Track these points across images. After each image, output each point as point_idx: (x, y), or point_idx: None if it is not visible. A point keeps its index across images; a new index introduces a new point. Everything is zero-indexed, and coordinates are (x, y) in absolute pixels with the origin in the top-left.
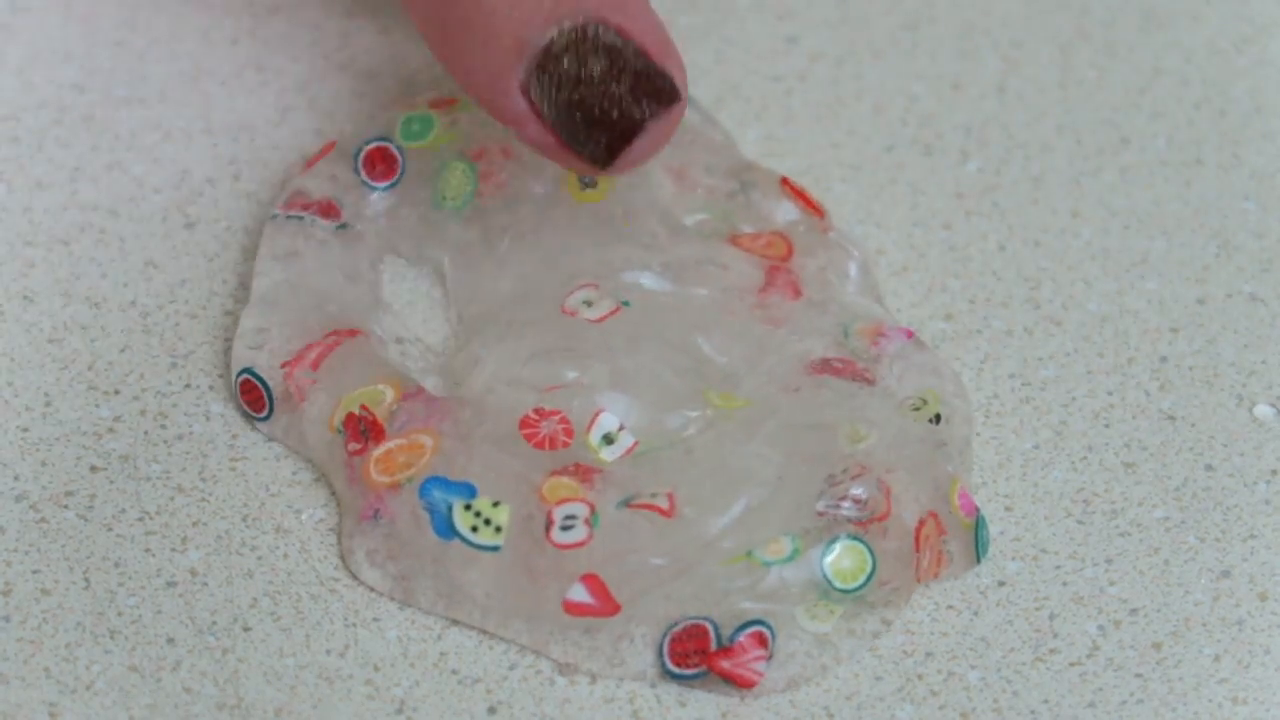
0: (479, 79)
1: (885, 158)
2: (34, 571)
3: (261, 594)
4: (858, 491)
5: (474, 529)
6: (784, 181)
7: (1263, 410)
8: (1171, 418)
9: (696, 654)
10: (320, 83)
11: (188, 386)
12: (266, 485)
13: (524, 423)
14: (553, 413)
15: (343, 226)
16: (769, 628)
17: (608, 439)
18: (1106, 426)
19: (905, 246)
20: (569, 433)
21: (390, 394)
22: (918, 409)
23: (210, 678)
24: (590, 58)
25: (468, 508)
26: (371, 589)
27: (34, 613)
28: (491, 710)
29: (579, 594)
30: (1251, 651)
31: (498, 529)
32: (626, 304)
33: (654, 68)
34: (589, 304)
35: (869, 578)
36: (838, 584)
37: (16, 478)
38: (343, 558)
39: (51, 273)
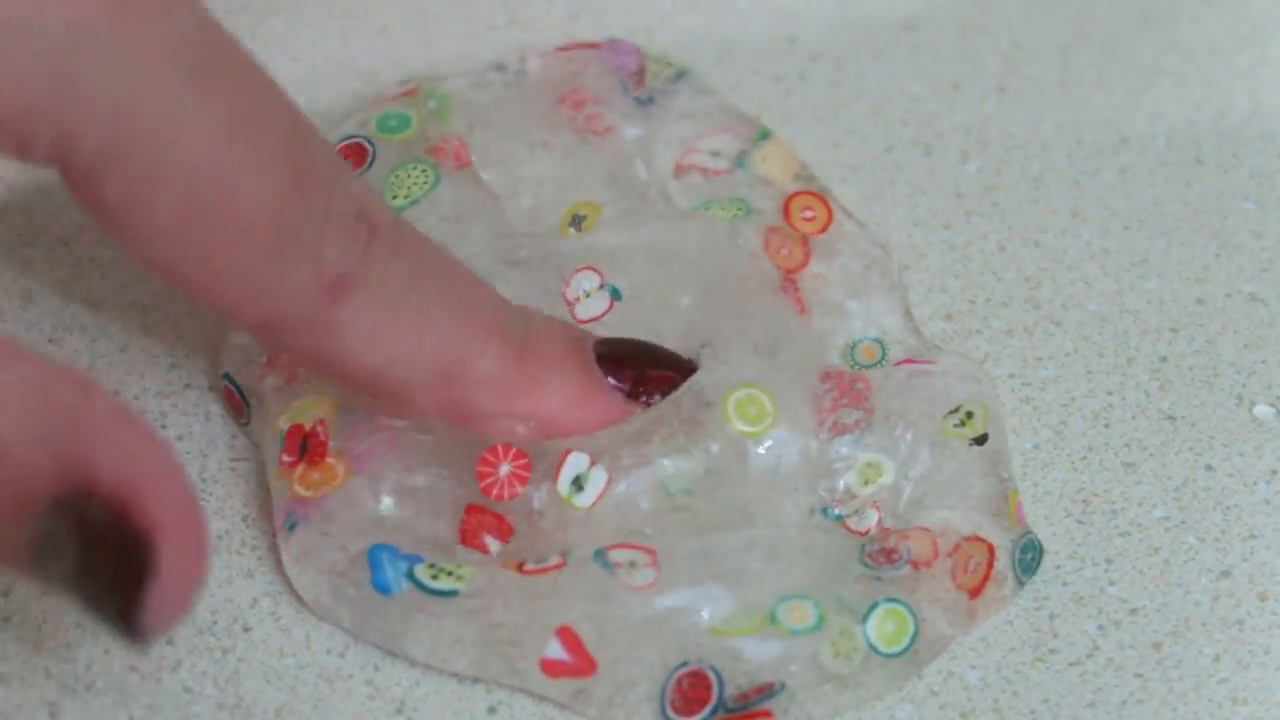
0: None
1: (885, 158)
2: None
3: (262, 594)
4: (898, 572)
5: (434, 577)
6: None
7: (1263, 410)
8: (1171, 418)
9: (699, 704)
10: (320, 83)
11: (188, 386)
12: (267, 485)
13: (484, 460)
14: (519, 454)
15: None
16: (783, 687)
17: (578, 484)
18: (1106, 426)
19: (905, 246)
20: (521, 480)
21: (326, 407)
22: (962, 424)
23: (210, 678)
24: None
25: (431, 565)
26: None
27: (34, 613)
28: (491, 710)
29: (555, 650)
30: (1251, 651)
31: (460, 578)
32: (616, 294)
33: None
34: (588, 294)
35: (913, 639)
36: (883, 648)
37: None
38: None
39: (51, 273)
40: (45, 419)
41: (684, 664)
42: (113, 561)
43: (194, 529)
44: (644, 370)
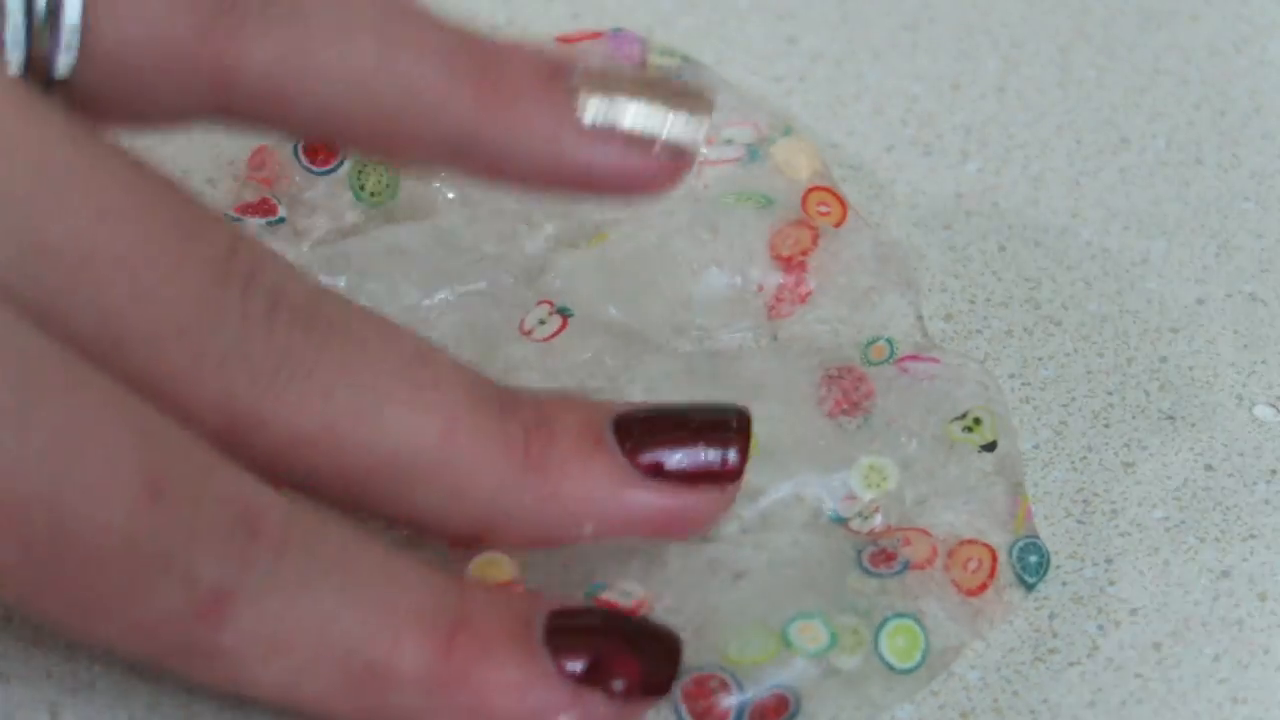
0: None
1: (885, 158)
2: None
3: None
4: (898, 577)
5: None
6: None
7: (1263, 410)
8: (1171, 418)
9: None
10: None
11: None
12: None
13: None
14: None
15: (278, 221)
16: (799, 706)
17: None
18: (1106, 426)
19: (905, 246)
20: None
21: None
22: (970, 429)
23: None
24: None
25: None
26: None
27: None
28: None
29: None
30: (1251, 651)
31: None
32: (569, 312)
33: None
34: (542, 322)
35: (924, 654)
36: (897, 665)
37: None
38: None
39: None
40: None
41: (699, 667)
42: None
43: None
44: (601, 650)
